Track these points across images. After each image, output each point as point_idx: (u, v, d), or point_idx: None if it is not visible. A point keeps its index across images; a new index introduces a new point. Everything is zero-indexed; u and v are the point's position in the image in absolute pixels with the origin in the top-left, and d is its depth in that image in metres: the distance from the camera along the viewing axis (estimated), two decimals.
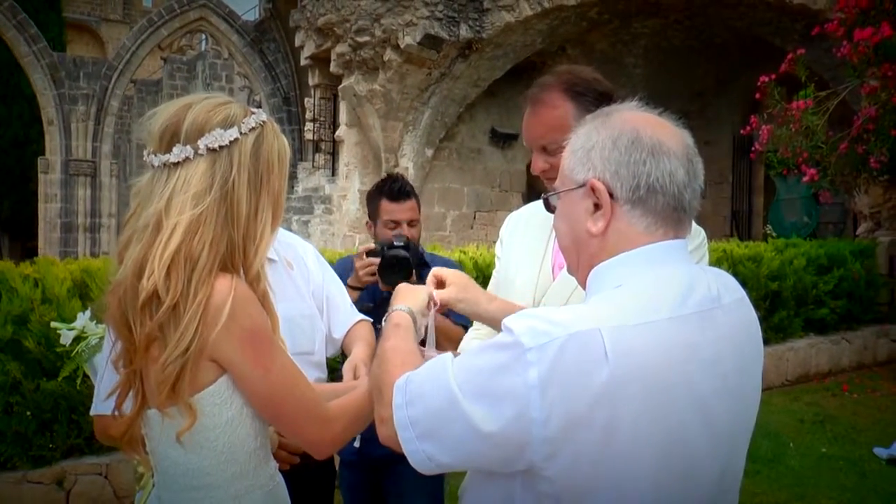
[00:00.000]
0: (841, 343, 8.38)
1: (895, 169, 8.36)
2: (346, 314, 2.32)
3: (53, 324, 2.81)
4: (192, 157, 1.38)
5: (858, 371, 8.33)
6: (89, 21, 26.83)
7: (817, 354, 8.07)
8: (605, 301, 1.19)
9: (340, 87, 12.62)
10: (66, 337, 2.72)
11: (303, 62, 14.05)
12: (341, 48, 12.17)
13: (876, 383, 7.83)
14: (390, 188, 2.93)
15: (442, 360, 1.23)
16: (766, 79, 7.87)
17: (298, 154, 15.74)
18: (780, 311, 7.68)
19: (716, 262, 6.87)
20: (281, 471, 1.76)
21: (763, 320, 7.31)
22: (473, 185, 13.84)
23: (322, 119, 14.38)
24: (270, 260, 2.18)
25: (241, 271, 1.42)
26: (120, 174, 17.87)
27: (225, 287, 1.35)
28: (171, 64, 21.42)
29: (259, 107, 17.16)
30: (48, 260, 4.32)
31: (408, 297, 1.58)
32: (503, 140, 13.87)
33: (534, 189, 14.95)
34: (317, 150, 14.51)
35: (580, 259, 1.30)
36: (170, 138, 1.40)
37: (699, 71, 13.13)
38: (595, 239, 1.25)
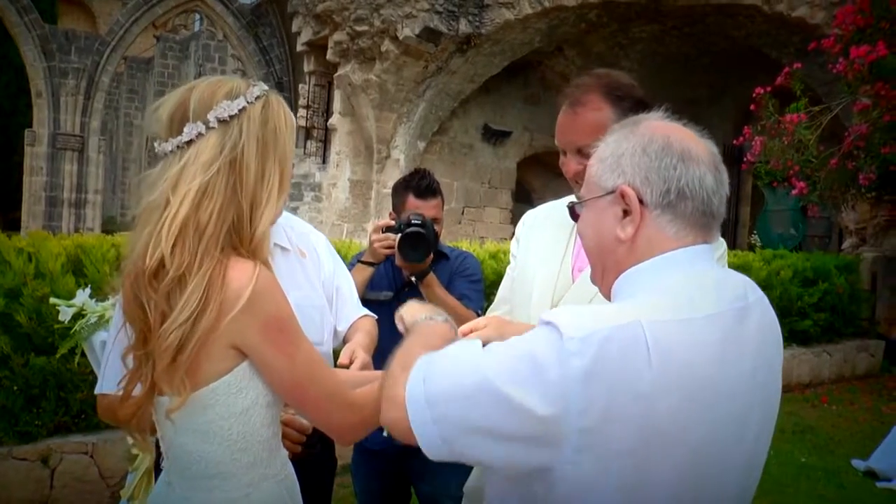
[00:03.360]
0: (822, 355, 8.48)
1: (883, 187, 8.46)
2: (352, 308, 2.31)
3: (53, 300, 2.79)
4: (203, 131, 1.39)
5: (838, 383, 8.45)
6: None
7: (799, 365, 8.16)
8: (640, 300, 1.19)
9: (336, 75, 12.58)
10: (65, 314, 2.70)
11: (299, 48, 13.99)
12: (339, 36, 12.13)
13: (855, 396, 7.94)
14: (418, 185, 2.95)
15: (469, 345, 1.21)
16: (762, 91, 7.93)
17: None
18: None
19: None
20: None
21: None
22: (463, 181, 13.85)
23: (315, 106, 14.32)
24: (283, 248, 2.17)
25: (249, 241, 1.41)
26: (108, 150, 17.69)
27: (246, 273, 1.34)
28: (164, 43, 21.22)
29: None
30: (42, 234, 4.27)
31: (408, 311, 1.58)
32: (495, 137, 13.88)
33: (522, 187, 14.97)
34: (308, 137, 14.45)
35: (606, 265, 1.31)
36: (179, 120, 1.41)
37: (693, 79, 13.19)
38: (623, 245, 1.26)
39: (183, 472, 1.45)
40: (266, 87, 1.49)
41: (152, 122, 1.47)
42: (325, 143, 14.11)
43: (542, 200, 2.29)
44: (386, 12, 11.43)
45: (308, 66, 14.19)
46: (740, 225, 14.75)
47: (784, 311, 8.01)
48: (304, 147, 14.48)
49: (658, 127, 1.29)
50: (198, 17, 19.46)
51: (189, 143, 1.39)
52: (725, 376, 1.16)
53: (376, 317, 2.38)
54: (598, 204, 1.30)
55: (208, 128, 1.39)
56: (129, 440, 2.87)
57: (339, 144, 12.97)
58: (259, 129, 1.42)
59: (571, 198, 1.93)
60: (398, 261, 2.79)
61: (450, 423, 1.15)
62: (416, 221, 2.77)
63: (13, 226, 15.67)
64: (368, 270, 2.81)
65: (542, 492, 1.16)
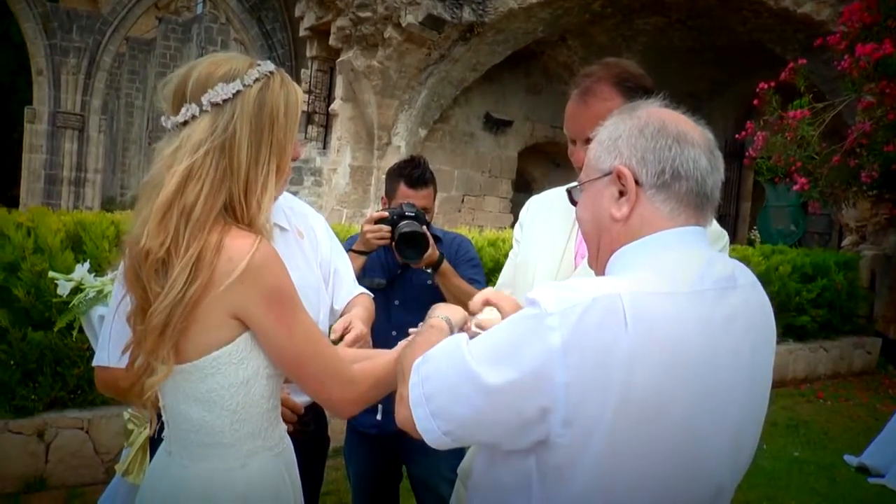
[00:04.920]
0: (819, 351, 8.50)
1: (885, 185, 8.45)
2: (348, 287, 2.32)
3: (51, 273, 2.78)
4: (197, 114, 1.39)
5: (833, 380, 8.48)
6: None
7: (795, 361, 8.18)
8: (626, 275, 1.23)
9: (338, 60, 12.52)
10: (64, 288, 2.70)
11: (301, 33, 13.92)
12: (342, 22, 12.07)
13: (850, 392, 7.97)
14: (410, 174, 2.95)
15: (456, 338, 1.27)
16: (766, 86, 7.91)
17: None
18: None
19: None
20: None
21: None
22: (464, 169, 13.83)
23: (317, 91, 14.27)
24: (282, 228, 2.17)
25: (246, 223, 1.41)
26: (108, 130, 17.65)
27: (244, 245, 1.35)
28: (166, 24, 21.11)
29: None
30: (42, 210, 4.26)
31: (448, 311, 1.62)
32: (497, 126, 13.86)
33: (523, 176, 14.96)
34: (310, 122, 14.41)
35: (601, 244, 1.33)
36: (179, 99, 1.41)
37: (696, 72, 13.16)
38: (618, 224, 1.29)
39: (183, 440, 1.45)
40: (271, 68, 1.47)
41: (161, 97, 1.47)
42: (327, 128, 14.07)
43: (542, 190, 2.29)
44: None
45: (310, 51, 14.13)
46: (741, 220, 14.76)
47: (782, 306, 8.02)
48: (306, 132, 14.44)
49: (655, 111, 1.33)
50: None
51: (184, 123, 1.40)
52: (707, 353, 1.18)
53: (373, 295, 2.39)
54: (595, 185, 1.33)
55: (202, 110, 1.39)
56: (126, 415, 2.88)
57: (341, 130, 12.93)
58: (253, 113, 1.41)
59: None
60: (398, 258, 2.80)
61: (446, 415, 1.21)
62: (409, 214, 2.77)
63: (12, 203, 15.62)
64: (360, 259, 2.82)
65: (535, 466, 1.20)
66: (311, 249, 2.24)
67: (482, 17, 11.33)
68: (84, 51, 15.57)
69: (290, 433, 1.90)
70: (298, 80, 15.10)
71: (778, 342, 6.07)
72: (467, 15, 11.28)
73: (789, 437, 6.18)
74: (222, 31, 19.57)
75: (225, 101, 1.39)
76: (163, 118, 1.46)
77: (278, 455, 1.51)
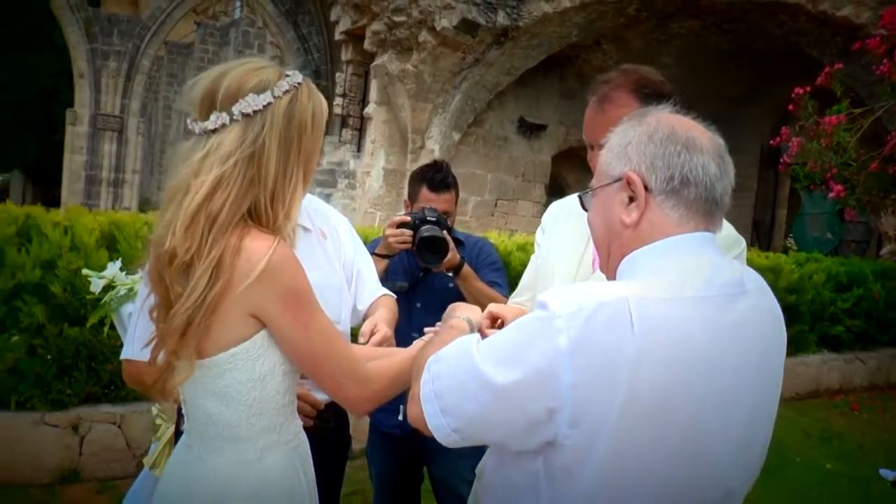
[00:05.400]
0: (855, 362, 8.34)
1: None
2: (372, 288, 2.35)
3: (85, 271, 2.85)
4: (227, 122, 1.42)
5: (870, 391, 8.30)
6: None
7: (829, 371, 8.04)
8: (634, 280, 1.25)
9: (373, 64, 12.60)
10: (97, 285, 2.77)
11: (337, 37, 14.03)
12: (377, 26, 12.14)
13: (887, 404, 7.80)
14: (432, 178, 2.99)
15: (467, 337, 1.30)
16: (801, 91, 7.80)
17: (326, 128, 15.71)
18: (795, 324, 7.64)
19: None
20: None
21: None
22: (497, 173, 13.82)
23: (352, 95, 14.38)
24: (305, 229, 2.21)
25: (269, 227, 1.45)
26: (147, 133, 17.96)
27: (262, 246, 1.38)
28: (204, 29, 21.44)
29: None
30: (79, 209, 4.37)
31: (468, 311, 1.65)
32: (531, 130, 13.83)
33: (556, 181, 14.92)
34: (344, 125, 14.52)
35: (611, 250, 1.35)
36: (208, 105, 1.44)
37: (732, 76, 13.02)
38: (628, 230, 1.31)
39: (201, 433, 1.49)
40: (299, 79, 1.50)
41: (187, 99, 1.50)
42: (361, 131, 14.17)
43: None
44: (424, 3, 11.43)
45: (346, 54, 14.24)
46: (776, 227, 14.56)
47: (815, 315, 7.90)
48: (340, 135, 14.56)
49: (664, 117, 1.34)
50: (238, 3, 19.64)
51: (213, 130, 1.43)
52: (712, 357, 1.19)
53: (395, 296, 2.41)
54: (606, 191, 1.36)
55: (232, 119, 1.42)
56: (154, 410, 2.93)
57: (375, 133, 13.01)
58: (283, 125, 1.44)
59: None
60: (420, 263, 2.83)
61: (455, 412, 1.24)
62: (431, 218, 2.80)
63: (54, 203, 15.96)
64: (382, 263, 2.85)
65: (543, 467, 1.21)
66: (335, 250, 2.28)
67: (516, 21, 11.32)
68: (124, 54, 15.88)
69: (310, 429, 1.93)
70: (333, 84, 15.25)
71: (812, 352, 5.98)
72: (501, 19, 11.28)
73: (822, 449, 6.08)
74: (259, 35, 19.81)
75: (255, 111, 1.43)
76: (189, 120, 1.49)
77: (294, 449, 1.54)
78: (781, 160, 9.01)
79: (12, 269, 3.73)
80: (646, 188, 1.29)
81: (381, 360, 1.58)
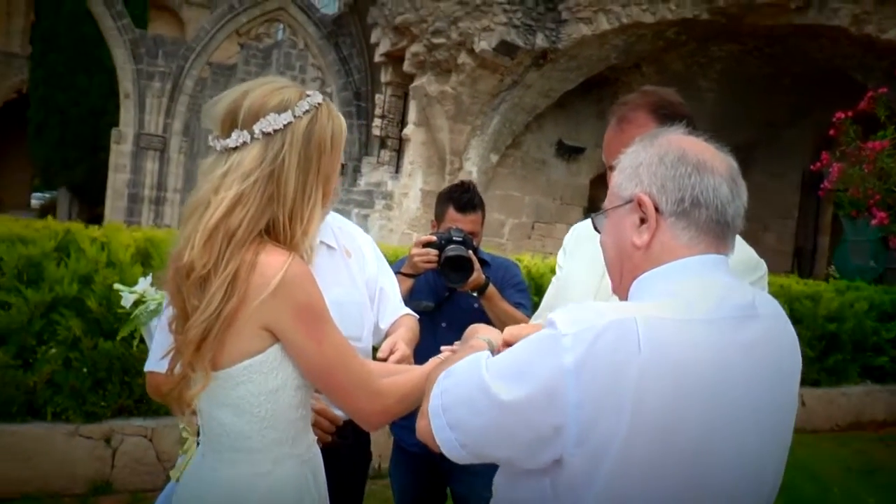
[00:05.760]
0: None
1: None
2: (394, 307, 2.36)
3: (116, 286, 2.90)
4: (248, 141, 1.45)
5: None
6: (171, 2, 27.68)
7: (873, 403, 7.81)
8: (644, 301, 1.26)
9: (412, 86, 12.72)
10: (127, 300, 2.82)
11: (377, 59, 14.20)
12: (416, 48, 12.27)
13: None
14: (459, 198, 3.01)
15: (478, 354, 1.30)
16: (842, 115, 7.69)
17: (364, 149, 15.94)
18: (835, 353, 7.48)
19: (771, 296, 6.70)
20: (321, 450, 1.80)
21: (816, 361, 7.21)
22: (535, 196, 13.81)
23: (391, 116, 14.52)
24: (329, 247, 2.24)
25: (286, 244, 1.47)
26: (188, 152, 18.31)
27: (277, 262, 1.41)
28: (247, 50, 21.83)
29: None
30: (115, 226, 4.47)
31: (490, 333, 1.65)
32: (569, 153, 13.81)
33: (594, 204, 14.85)
34: (383, 146, 14.65)
35: (623, 272, 1.36)
36: (230, 124, 1.47)
37: (773, 100, 12.88)
38: (639, 252, 1.31)
39: (214, 444, 1.52)
40: (319, 99, 1.53)
41: (209, 116, 1.54)
42: (399, 152, 14.28)
43: None
44: (463, 25, 11.52)
45: (385, 76, 14.40)
46: (818, 255, 14.30)
47: (857, 345, 7.71)
48: (378, 156, 14.70)
49: (675, 139, 1.34)
50: (280, 26, 19.98)
51: (234, 148, 1.46)
52: (720, 380, 1.18)
53: (418, 316, 2.42)
54: (617, 213, 1.36)
55: (253, 138, 1.45)
56: (181, 424, 2.97)
57: (413, 154, 13.10)
58: (302, 144, 1.47)
59: None
60: (446, 282, 2.83)
61: (462, 427, 1.24)
62: (457, 238, 2.81)
63: (97, 220, 16.32)
64: (408, 282, 2.86)
65: (550, 486, 1.21)
66: (358, 268, 2.30)
67: (555, 43, 11.36)
68: (168, 75, 16.27)
69: (328, 444, 1.95)
70: (373, 105, 15.42)
71: (854, 383, 5.81)
72: (540, 41, 11.33)
73: (863, 483, 5.91)
74: (301, 56, 20.11)
75: (276, 131, 1.46)
76: (210, 137, 1.53)
77: (305, 462, 1.56)
78: (822, 186, 8.86)
79: (51, 283, 3.82)
80: (657, 210, 1.29)
81: (395, 376, 1.59)
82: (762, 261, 1.93)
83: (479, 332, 1.64)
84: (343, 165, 1.70)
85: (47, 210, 22.29)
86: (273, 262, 1.41)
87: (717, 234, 1.29)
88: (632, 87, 13.18)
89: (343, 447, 2.02)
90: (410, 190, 13.13)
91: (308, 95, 1.52)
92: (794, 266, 14.03)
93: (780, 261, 13.75)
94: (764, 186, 12.88)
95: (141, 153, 16.84)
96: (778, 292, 6.92)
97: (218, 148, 1.49)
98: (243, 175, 1.43)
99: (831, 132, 8.04)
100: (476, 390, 1.22)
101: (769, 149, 13.34)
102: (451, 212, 2.98)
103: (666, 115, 1.87)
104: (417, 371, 1.60)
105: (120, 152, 17.01)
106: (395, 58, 13.48)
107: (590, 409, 1.12)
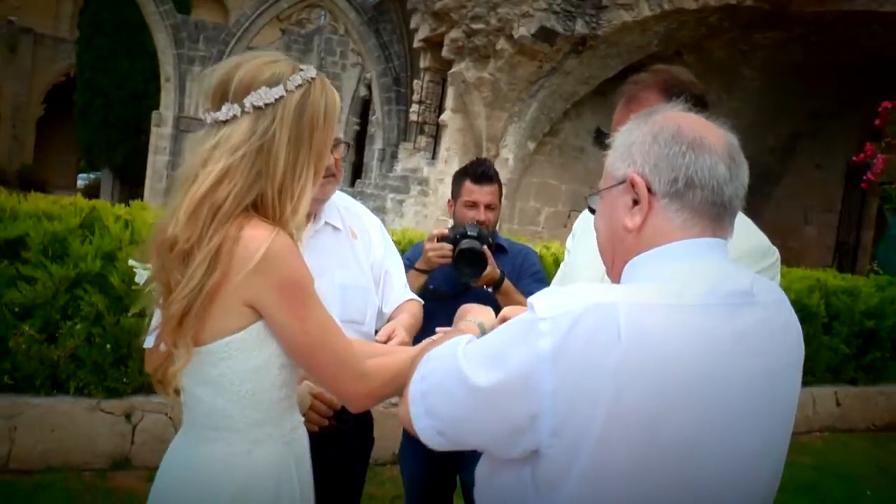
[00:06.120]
0: None
1: None
2: (399, 292, 2.33)
3: (130, 262, 2.92)
4: (238, 114, 1.42)
5: None
6: None
7: None
8: (632, 285, 1.19)
9: (450, 72, 12.65)
10: (141, 276, 2.81)
11: (415, 45, 14.16)
12: (455, 34, 12.19)
13: None
14: (475, 171, 2.98)
15: (458, 338, 1.26)
16: (889, 105, 7.46)
17: (403, 134, 15.94)
18: (873, 351, 7.27)
19: (807, 291, 6.56)
20: (319, 434, 1.78)
21: (853, 359, 7.03)
22: (572, 184, 13.66)
23: (428, 102, 14.47)
24: (335, 228, 2.22)
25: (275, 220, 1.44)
26: None
27: (261, 235, 1.38)
28: (289, 36, 21.93)
29: (369, 85, 17.64)
30: (140, 204, 4.50)
31: (481, 314, 1.62)
32: (607, 141, 13.61)
33: None
34: (420, 132, 14.62)
35: (615, 255, 1.29)
36: (220, 96, 1.44)
37: (819, 90, 12.53)
38: (631, 234, 1.24)
39: (195, 422, 1.50)
40: (313, 74, 1.50)
41: (201, 88, 1.52)
42: (436, 138, 14.24)
43: None
44: (503, 11, 11.42)
45: (424, 62, 14.35)
46: (861, 250, 13.92)
47: None
48: (415, 142, 14.68)
49: (671, 116, 1.27)
50: (322, 11, 20.02)
51: (225, 122, 1.43)
52: (711, 371, 1.11)
53: (423, 302, 2.39)
54: (611, 194, 1.29)
55: (243, 112, 1.42)
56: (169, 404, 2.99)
57: (449, 141, 13.05)
58: (294, 119, 1.44)
59: None
60: (460, 278, 2.78)
61: (438, 414, 1.20)
62: (471, 234, 2.75)
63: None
64: (422, 278, 2.82)
65: (530, 477, 1.16)
66: (364, 251, 2.27)
67: (595, 29, 11.19)
68: (208, 59, 16.41)
69: (326, 429, 1.92)
70: (412, 91, 15.39)
71: (893, 382, 5.61)
72: (580, 28, 11.17)
73: None
74: (342, 42, 20.15)
75: (267, 105, 1.42)
76: (202, 110, 1.50)
77: (288, 444, 1.53)
78: (864, 178, 8.62)
79: (75, 260, 3.86)
80: (649, 191, 1.22)
81: (382, 357, 1.56)
82: (774, 248, 1.86)
83: (470, 314, 1.59)
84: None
85: (91, 191, 22.70)
86: (257, 236, 1.38)
87: (713, 217, 1.22)
88: None
89: (341, 431, 2.00)
90: (446, 176, 13.06)
91: (302, 70, 1.49)
92: (836, 261, 13.69)
93: (820, 255, 13.42)
94: (807, 178, 12.59)
95: (180, 136, 17.04)
96: (814, 286, 6.75)
97: (208, 121, 1.47)
98: (232, 148, 1.40)
99: (877, 122, 7.80)
100: (451, 376, 1.18)
101: (812, 140, 13.01)
102: (468, 184, 2.94)
103: (676, 95, 1.80)
104: (405, 353, 1.56)
105: (160, 135, 17.24)
106: (433, 43, 13.42)
107: (565, 399, 1.07)
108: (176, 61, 15.97)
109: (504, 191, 3.22)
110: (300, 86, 1.46)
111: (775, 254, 1.85)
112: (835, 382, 7.06)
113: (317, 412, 1.91)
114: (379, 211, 13.33)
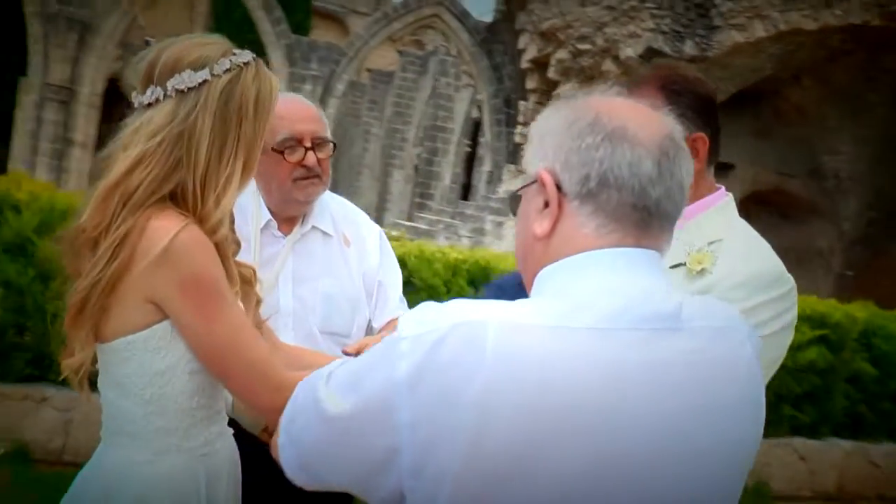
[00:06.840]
0: None
1: None
2: (392, 306, 2.18)
3: None
4: (161, 98, 1.34)
5: None
6: (338, 11, 28.82)
7: None
8: (525, 302, 0.99)
9: (555, 93, 12.50)
10: None
11: (523, 65, 14.09)
12: (561, 54, 12.09)
13: None
14: None
15: (330, 364, 1.11)
16: None
17: (510, 157, 15.83)
18: None
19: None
20: None
21: None
22: None
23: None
24: (325, 234, 2.12)
25: (198, 217, 1.35)
26: (345, 153, 18.92)
27: (167, 226, 1.28)
28: (406, 57, 22.29)
29: (480, 108, 17.66)
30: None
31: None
32: (716, 169, 13.03)
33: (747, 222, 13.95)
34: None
35: (526, 267, 1.08)
36: (147, 79, 1.37)
37: None
38: (539, 243, 1.03)
39: (106, 425, 1.43)
40: (246, 59, 1.40)
41: (133, 70, 1.45)
42: None
43: None
44: (610, 31, 11.22)
45: (531, 83, 14.26)
46: None
47: None
48: (518, 164, 14.55)
49: (594, 102, 1.05)
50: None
51: (149, 105, 1.36)
52: (610, 406, 0.91)
53: None
54: (527, 194, 1.08)
55: (166, 95, 1.35)
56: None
57: None
58: (219, 106, 1.34)
59: None
60: None
61: (299, 444, 1.07)
62: None
63: None
64: None
65: None
66: (356, 259, 2.15)
67: (705, 51, 10.80)
68: (320, 79, 16.83)
69: None
70: (516, 112, 15.28)
71: None
72: (689, 49, 10.80)
73: None
74: (455, 64, 20.31)
75: (190, 89, 1.34)
76: (133, 94, 1.44)
77: (199, 458, 1.40)
78: None
79: None
80: (560, 190, 1.01)
81: (309, 368, 1.42)
82: (789, 277, 1.61)
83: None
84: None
85: None
86: (163, 226, 1.28)
87: (635, 223, 1.00)
88: (791, 101, 12.31)
89: None
90: None
91: (234, 54, 1.39)
92: None
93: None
94: None
95: None
96: None
97: (136, 105, 1.40)
98: (150, 133, 1.32)
99: None
100: (308, 401, 1.05)
101: None
102: None
103: (675, 91, 1.64)
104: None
105: None
106: (541, 65, 13.33)
107: (425, 432, 0.90)
108: (289, 80, 16.44)
109: None
110: (228, 70, 1.36)
111: (788, 283, 1.60)
112: None
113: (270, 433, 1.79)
114: (477, 233, 13.23)
